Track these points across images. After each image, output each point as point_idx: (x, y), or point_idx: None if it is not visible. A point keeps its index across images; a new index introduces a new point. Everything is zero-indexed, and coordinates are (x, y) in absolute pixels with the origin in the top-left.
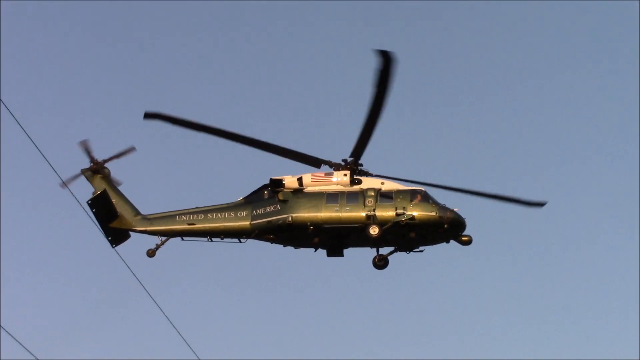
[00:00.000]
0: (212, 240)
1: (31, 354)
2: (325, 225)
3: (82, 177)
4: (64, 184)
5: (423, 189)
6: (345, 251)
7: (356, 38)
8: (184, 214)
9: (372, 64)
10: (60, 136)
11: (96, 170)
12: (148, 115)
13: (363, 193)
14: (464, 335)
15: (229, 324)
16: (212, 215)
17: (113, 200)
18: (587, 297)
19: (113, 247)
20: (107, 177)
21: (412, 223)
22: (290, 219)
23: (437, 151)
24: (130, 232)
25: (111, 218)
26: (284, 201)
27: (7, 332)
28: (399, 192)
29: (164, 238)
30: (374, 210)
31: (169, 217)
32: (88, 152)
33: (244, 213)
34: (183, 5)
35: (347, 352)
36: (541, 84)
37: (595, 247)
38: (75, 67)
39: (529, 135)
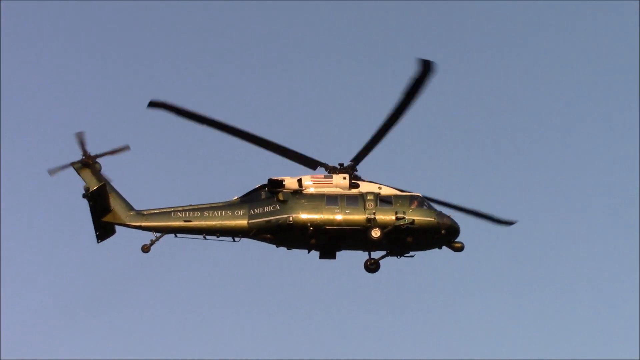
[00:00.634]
0: (206, 238)
1: None
2: (326, 227)
3: (70, 170)
4: (51, 173)
5: (420, 195)
6: (337, 254)
7: (365, 41)
8: (180, 210)
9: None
10: (56, 128)
11: (86, 164)
12: (153, 104)
13: (362, 196)
14: (462, 335)
15: (219, 324)
16: (209, 213)
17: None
18: (587, 297)
19: (98, 242)
20: (97, 173)
21: (412, 227)
22: (290, 219)
23: (430, 159)
24: (123, 228)
25: (105, 212)
26: (284, 201)
27: None
28: (397, 197)
29: (158, 234)
30: (374, 213)
31: (164, 213)
32: (82, 144)
33: (240, 212)
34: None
35: (340, 353)
36: (541, 83)
37: (595, 247)
38: (73, 61)
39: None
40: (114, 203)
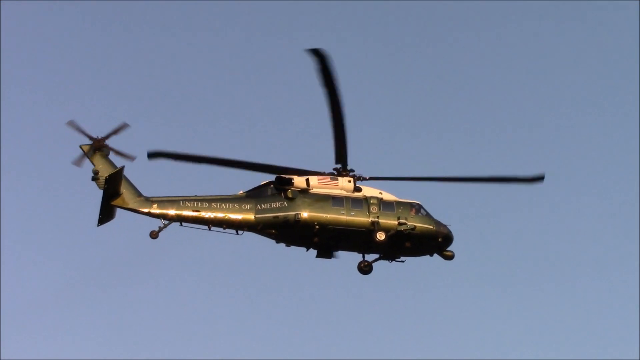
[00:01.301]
0: (211, 230)
1: None
2: (330, 226)
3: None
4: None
5: (418, 203)
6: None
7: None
8: (189, 200)
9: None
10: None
11: (98, 147)
12: (152, 155)
13: (366, 200)
14: (462, 335)
15: (215, 322)
16: (217, 205)
17: None
18: (587, 297)
19: (98, 226)
20: (107, 156)
21: (412, 233)
22: (298, 216)
23: (434, 148)
24: (126, 213)
25: (114, 196)
26: (291, 199)
27: None
28: (398, 203)
29: (166, 222)
30: (377, 217)
31: (174, 201)
32: (81, 130)
33: (247, 206)
34: (177, 4)
35: (335, 353)
36: (541, 84)
37: (595, 247)
38: (73, 61)
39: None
40: (124, 187)
